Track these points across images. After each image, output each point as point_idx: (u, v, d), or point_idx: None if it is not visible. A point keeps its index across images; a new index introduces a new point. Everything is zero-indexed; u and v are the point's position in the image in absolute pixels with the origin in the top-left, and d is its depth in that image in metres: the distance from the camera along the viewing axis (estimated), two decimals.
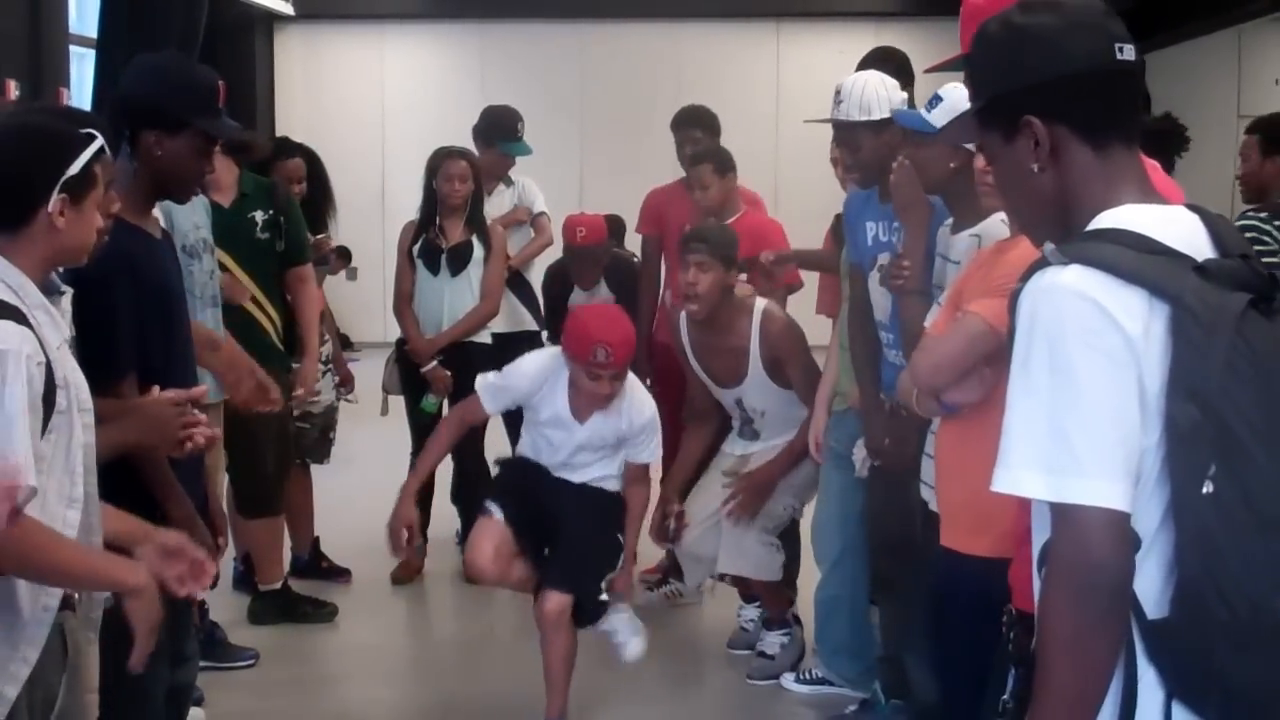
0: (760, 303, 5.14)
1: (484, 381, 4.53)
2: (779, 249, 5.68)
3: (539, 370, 4.44)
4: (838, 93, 4.24)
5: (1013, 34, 1.91)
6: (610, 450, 4.50)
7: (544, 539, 4.52)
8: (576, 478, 4.53)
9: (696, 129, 6.23)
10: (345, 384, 6.38)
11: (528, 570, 4.52)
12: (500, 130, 6.68)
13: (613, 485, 4.56)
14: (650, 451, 4.52)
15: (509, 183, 6.78)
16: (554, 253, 6.62)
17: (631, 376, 4.47)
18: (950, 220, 3.71)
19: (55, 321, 2.56)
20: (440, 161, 6.21)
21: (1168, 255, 1.77)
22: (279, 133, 10.21)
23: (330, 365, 6.22)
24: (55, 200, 2.52)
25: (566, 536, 4.44)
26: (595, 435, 4.44)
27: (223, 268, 5.09)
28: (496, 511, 4.50)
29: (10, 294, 2.45)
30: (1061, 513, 1.73)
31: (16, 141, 2.57)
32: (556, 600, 4.34)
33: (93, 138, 2.60)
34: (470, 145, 6.55)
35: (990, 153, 1.99)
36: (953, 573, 3.22)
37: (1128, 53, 1.88)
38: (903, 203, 3.77)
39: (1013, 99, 1.90)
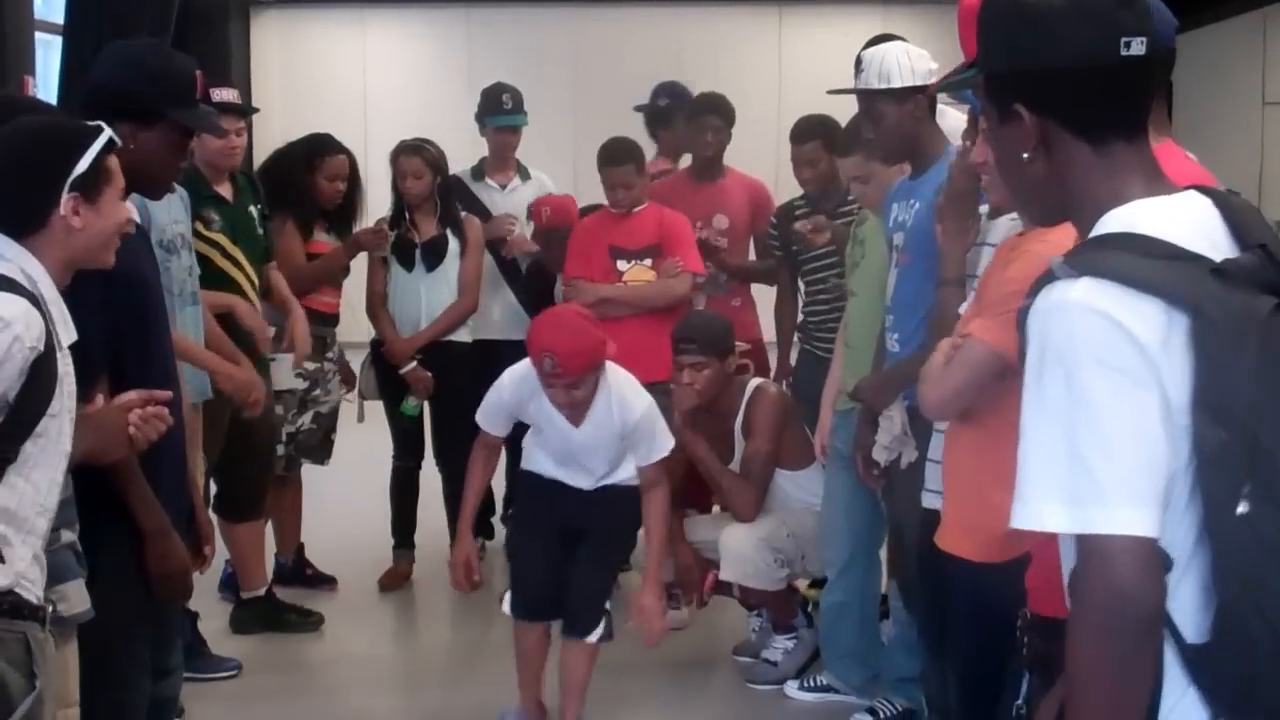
0: (754, 382, 5.11)
1: (480, 410, 4.47)
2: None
3: (516, 381, 4.32)
4: (859, 63, 4.10)
5: (1012, 11, 1.80)
6: (619, 450, 4.38)
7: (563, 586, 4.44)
8: (593, 483, 4.44)
9: (717, 117, 6.12)
10: (347, 384, 6.24)
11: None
12: (486, 105, 6.55)
13: (633, 480, 4.45)
14: (656, 449, 4.34)
15: (525, 176, 6.60)
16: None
17: (620, 376, 4.32)
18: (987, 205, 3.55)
19: (66, 322, 2.53)
20: (395, 158, 6.13)
21: (1183, 259, 1.66)
22: (256, 150, 10.06)
23: (336, 364, 6.09)
24: (67, 200, 2.46)
25: (578, 575, 4.36)
26: (595, 438, 4.32)
27: (235, 264, 4.98)
28: (508, 608, 4.43)
29: (28, 281, 2.42)
30: (1087, 544, 1.63)
31: (20, 143, 2.49)
32: (582, 650, 4.33)
33: (100, 130, 2.52)
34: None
35: (988, 126, 1.89)
36: (956, 577, 3.12)
37: (1137, 47, 1.74)
38: (955, 190, 3.58)
39: (1005, 83, 1.81)
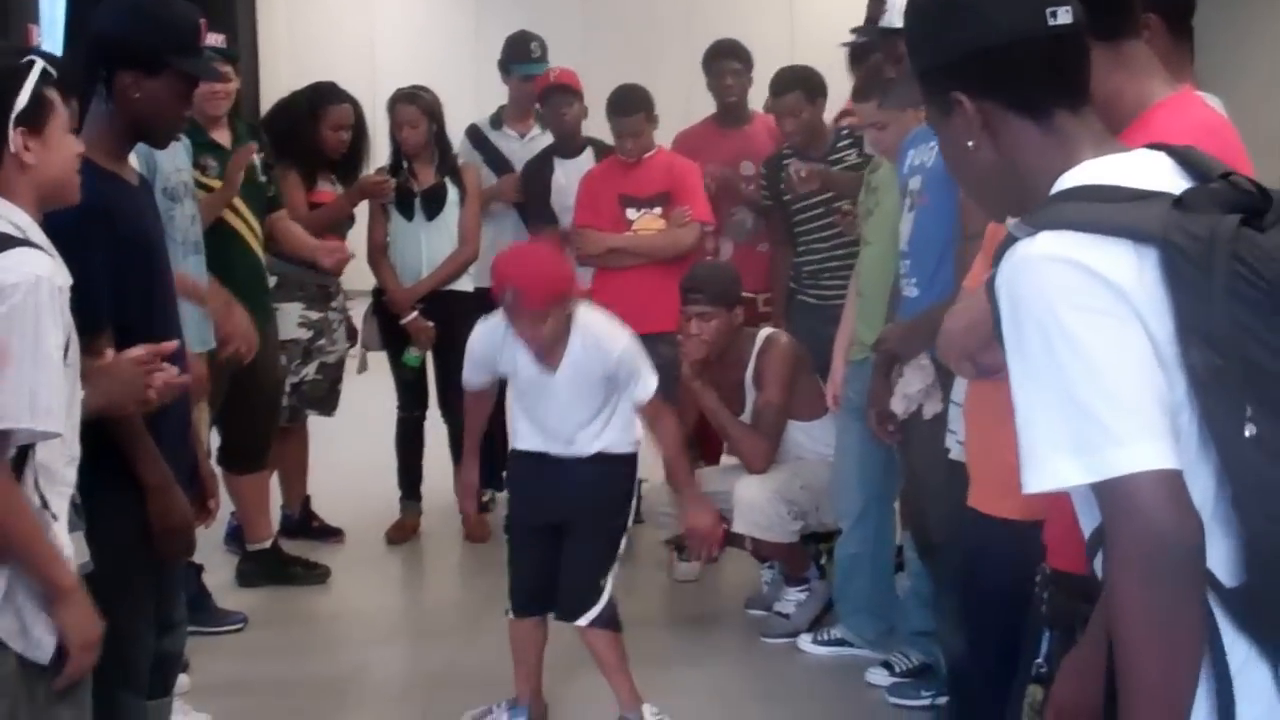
0: (764, 332, 5.05)
1: (463, 371, 4.34)
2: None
3: (487, 331, 4.19)
4: (880, 2, 4.01)
5: (935, 5, 1.82)
6: (604, 395, 4.12)
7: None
8: (585, 450, 4.16)
9: (734, 60, 6.06)
10: (351, 339, 6.18)
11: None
12: (512, 52, 6.46)
13: (625, 447, 4.20)
14: (645, 385, 4.09)
15: (545, 124, 6.44)
16: None
17: (594, 316, 4.13)
18: None
19: (60, 267, 2.48)
20: (391, 107, 6.08)
21: (1142, 198, 1.61)
22: (263, 97, 9.97)
23: (344, 315, 6.03)
24: (15, 136, 2.41)
25: (566, 557, 4.15)
26: (575, 380, 4.08)
27: (234, 212, 4.94)
28: (513, 614, 4.25)
29: (19, 232, 2.39)
30: (1108, 491, 1.55)
31: None
32: (594, 636, 4.13)
33: (32, 62, 2.46)
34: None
35: (933, 124, 1.89)
36: (981, 534, 3.04)
37: (1064, 15, 1.73)
38: None
39: (939, 76, 1.81)
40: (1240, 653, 1.60)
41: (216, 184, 4.98)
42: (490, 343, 4.15)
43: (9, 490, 2.36)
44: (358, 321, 6.23)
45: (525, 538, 4.25)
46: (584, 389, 4.10)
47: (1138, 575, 1.53)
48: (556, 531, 4.17)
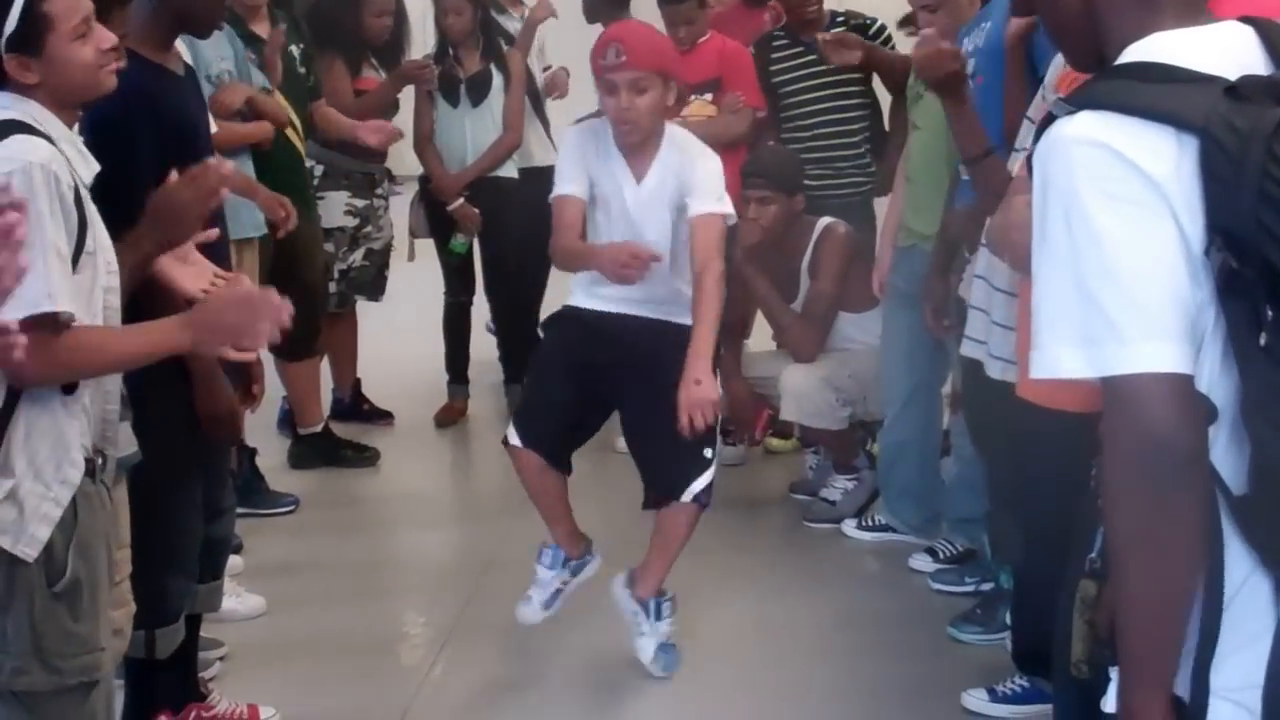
0: (823, 221, 4.97)
1: (555, 185, 3.94)
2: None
3: (579, 131, 3.99)
4: None
5: None
6: (673, 222, 3.84)
7: (590, 420, 3.99)
8: (650, 312, 3.87)
9: None
10: None
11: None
12: None
13: (685, 316, 3.83)
14: (716, 203, 3.80)
15: None
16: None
17: (685, 133, 3.96)
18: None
19: (85, 158, 2.46)
20: None
21: (1196, 81, 1.53)
22: None
23: (387, 200, 6.03)
24: (8, 60, 2.35)
25: (650, 430, 3.80)
26: (654, 198, 3.83)
27: None
28: (515, 439, 3.88)
29: (34, 123, 2.36)
30: (1111, 388, 1.51)
31: None
32: (681, 510, 3.80)
33: None
34: None
35: None
36: (1033, 423, 3.00)
37: None
38: (931, 78, 3.49)
39: None
40: (1245, 567, 1.55)
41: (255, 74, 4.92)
42: (584, 140, 3.91)
43: (80, 344, 2.34)
44: (403, 208, 6.23)
45: (554, 372, 3.90)
46: (659, 208, 3.84)
47: (1131, 478, 1.50)
48: (593, 380, 3.84)
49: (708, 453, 3.74)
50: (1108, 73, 1.62)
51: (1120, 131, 1.52)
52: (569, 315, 4.00)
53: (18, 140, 2.31)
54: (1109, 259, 1.50)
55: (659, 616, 3.88)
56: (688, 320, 3.76)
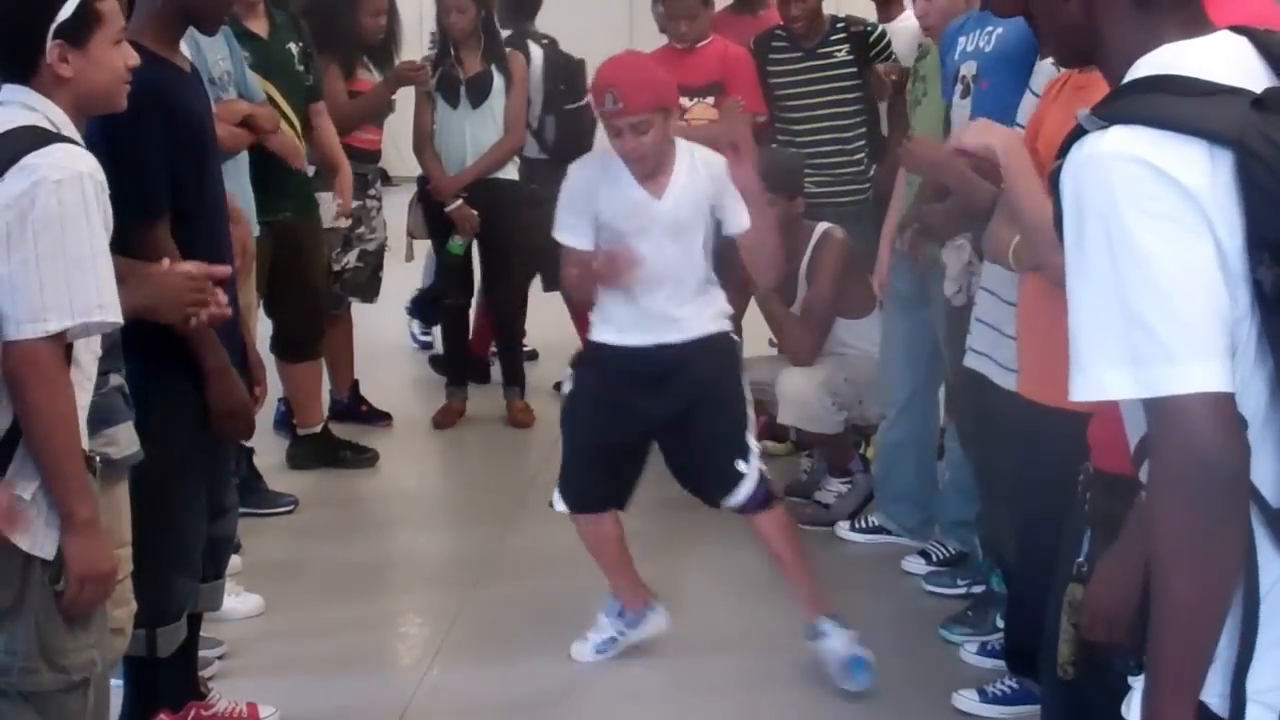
0: (821, 226, 4.99)
1: (555, 225, 3.91)
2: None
3: (581, 166, 3.97)
4: None
5: None
6: (705, 227, 3.85)
7: (635, 460, 3.98)
8: (684, 333, 3.84)
9: None
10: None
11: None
12: None
13: (723, 323, 3.92)
14: (744, 213, 3.80)
15: None
16: None
17: (697, 145, 3.93)
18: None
19: (97, 165, 2.46)
20: None
21: (1221, 94, 1.54)
22: None
23: (380, 201, 6.03)
24: (52, 48, 2.38)
25: (696, 447, 3.86)
26: (681, 206, 3.81)
27: (270, 101, 4.91)
28: (560, 505, 3.95)
29: (54, 128, 2.38)
30: (1158, 408, 1.52)
31: None
32: (764, 520, 3.88)
33: None
34: None
35: None
36: (1031, 421, 3.01)
37: None
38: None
39: None
40: (1275, 570, 1.57)
41: (251, 74, 4.92)
42: (586, 173, 3.88)
43: (66, 396, 2.35)
44: (401, 208, 6.25)
45: (585, 425, 3.92)
46: (688, 216, 3.83)
47: (1179, 497, 1.51)
48: (628, 419, 3.85)
49: (740, 465, 3.81)
50: (1133, 85, 1.61)
51: (1155, 146, 1.52)
52: (594, 358, 3.96)
53: (64, 149, 2.34)
54: (1154, 278, 1.50)
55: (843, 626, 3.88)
56: (714, 328, 3.88)
